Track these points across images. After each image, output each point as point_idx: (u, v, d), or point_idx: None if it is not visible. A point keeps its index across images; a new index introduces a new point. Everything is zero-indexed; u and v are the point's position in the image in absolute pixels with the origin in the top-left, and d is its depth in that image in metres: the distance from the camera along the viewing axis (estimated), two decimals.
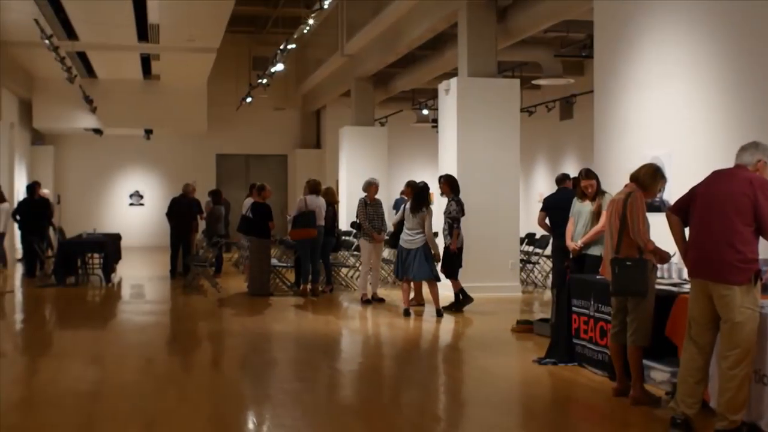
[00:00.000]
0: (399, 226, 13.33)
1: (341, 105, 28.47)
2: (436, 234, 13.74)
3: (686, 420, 6.45)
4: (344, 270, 17.74)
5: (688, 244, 6.67)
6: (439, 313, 12.96)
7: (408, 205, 13.19)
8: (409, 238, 12.95)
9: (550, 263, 17.60)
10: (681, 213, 6.74)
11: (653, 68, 10.13)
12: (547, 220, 12.65)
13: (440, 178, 14.12)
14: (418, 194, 13.21)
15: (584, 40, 18.47)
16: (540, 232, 17.40)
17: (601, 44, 11.44)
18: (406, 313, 13.00)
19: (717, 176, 6.61)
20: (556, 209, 12.57)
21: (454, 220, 13.34)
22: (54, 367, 9.36)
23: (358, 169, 23.20)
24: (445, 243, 13.48)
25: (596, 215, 9.92)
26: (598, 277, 8.70)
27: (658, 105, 10.03)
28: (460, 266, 13.54)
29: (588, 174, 10.19)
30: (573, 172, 13.63)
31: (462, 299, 13.58)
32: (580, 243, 9.96)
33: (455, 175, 15.31)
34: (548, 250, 17.31)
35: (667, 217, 6.85)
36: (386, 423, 7.12)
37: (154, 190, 31.89)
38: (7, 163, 22.72)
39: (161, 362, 9.90)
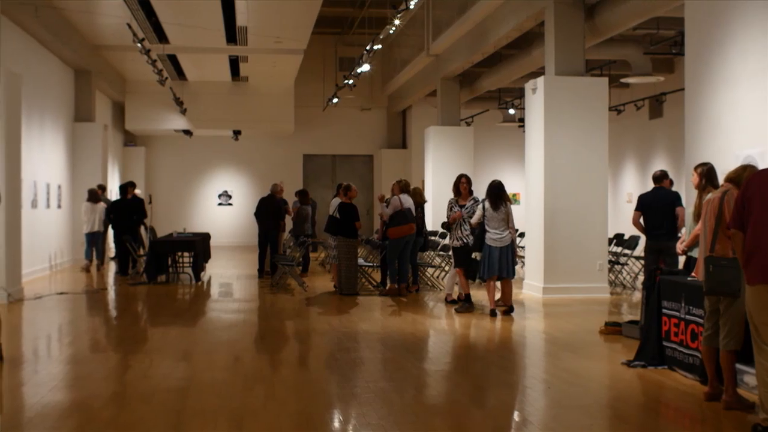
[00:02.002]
0: (480, 228, 13.25)
1: (427, 105, 28.46)
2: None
3: None
4: (430, 270, 17.71)
5: (748, 250, 6.51)
6: (511, 310, 13.08)
7: (487, 205, 13.11)
8: (497, 236, 12.95)
9: (639, 264, 17.36)
10: (741, 226, 6.60)
11: (746, 65, 9.88)
12: (641, 220, 12.45)
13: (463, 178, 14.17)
14: (496, 192, 13.13)
15: (675, 37, 18.12)
16: (629, 233, 17.16)
17: (692, 41, 11.20)
18: (493, 314, 12.96)
19: (762, 179, 6.52)
20: (651, 208, 12.37)
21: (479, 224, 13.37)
22: (145, 364, 9.55)
23: (443, 169, 23.16)
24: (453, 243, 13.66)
25: (697, 216, 9.69)
26: (689, 278, 8.52)
27: (751, 103, 9.79)
28: (465, 266, 13.66)
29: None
30: None
31: (464, 301, 13.63)
32: (682, 246, 9.74)
33: (541, 175, 15.24)
34: (638, 251, 17.08)
35: (734, 236, 6.72)
36: (473, 424, 7.07)
37: (242, 190, 32.33)
38: (101, 164, 23.27)
39: (249, 360, 10.00)
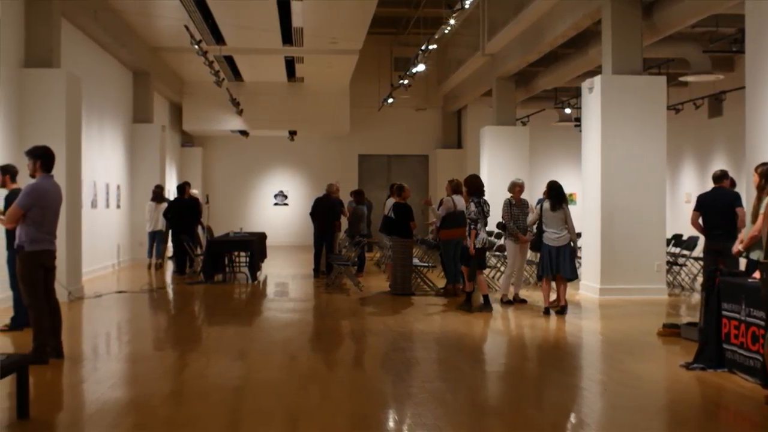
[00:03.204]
0: (539, 228, 13.23)
1: (482, 104, 28.36)
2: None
3: None
4: (485, 270, 17.61)
5: None
6: (564, 311, 13.06)
7: (546, 205, 13.07)
8: (555, 236, 13.01)
9: (698, 265, 17.11)
10: None
11: None
12: (700, 220, 12.28)
13: (466, 179, 14.41)
14: (554, 193, 13.20)
15: (734, 34, 17.81)
16: (688, 233, 16.94)
17: (752, 38, 11.03)
18: (546, 312, 12.96)
19: None
20: (710, 209, 12.18)
21: (472, 221, 13.50)
22: (202, 363, 9.64)
23: (499, 169, 23.06)
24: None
25: (755, 217, 9.53)
26: (749, 280, 8.38)
27: None
28: (482, 267, 13.85)
29: None
30: None
31: (468, 301, 13.69)
32: (739, 247, 9.57)
33: (598, 175, 15.12)
34: (696, 252, 16.84)
35: None
36: (529, 425, 7.03)
37: (297, 190, 32.51)
38: (159, 164, 23.55)
39: (304, 359, 10.05)
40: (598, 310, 13.68)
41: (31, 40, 14.60)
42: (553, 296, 13.36)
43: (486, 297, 13.67)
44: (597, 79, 15.66)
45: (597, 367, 9.86)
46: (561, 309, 13.11)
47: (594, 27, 17.37)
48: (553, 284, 13.35)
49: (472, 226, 13.50)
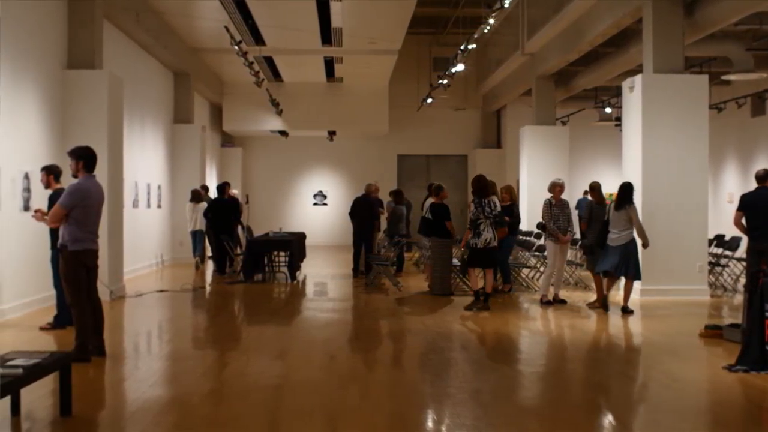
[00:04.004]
0: (603, 226, 13.52)
1: (522, 104, 28.26)
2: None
3: None
4: (525, 270, 17.56)
5: None
6: (626, 310, 13.20)
7: (613, 205, 13.43)
8: (614, 235, 13.26)
9: (740, 266, 16.93)
10: None
11: None
12: (743, 221, 12.15)
13: (473, 179, 14.61)
14: (621, 194, 13.39)
15: None
16: (730, 233, 16.76)
17: None
18: (605, 308, 13.31)
19: None
20: (754, 208, 12.05)
21: (471, 221, 13.83)
22: (242, 362, 9.69)
23: (538, 168, 22.98)
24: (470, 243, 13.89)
25: None
26: None
27: None
28: (488, 266, 13.92)
29: None
30: None
31: (484, 301, 13.79)
32: None
33: (639, 175, 15.02)
34: (739, 252, 16.66)
35: None
36: (568, 426, 6.99)
37: (337, 190, 32.58)
38: (199, 165, 23.72)
39: (343, 359, 10.07)
40: (639, 310, 13.56)
41: (73, 41, 14.77)
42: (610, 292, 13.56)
43: (476, 293, 13.95)
44: (638, 78, 15.54)
45: (638, 368, 9.78)
46: (624, 308, 13.31)
47: (635, 25, 17.24)
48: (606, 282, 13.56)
49: (468, 226, 13.91)
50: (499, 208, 13.93)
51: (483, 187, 13.98)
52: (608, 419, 7.33)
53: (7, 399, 6.66)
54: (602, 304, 13.43)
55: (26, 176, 12.75)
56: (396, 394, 8.07)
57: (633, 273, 13.19)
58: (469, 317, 13.08)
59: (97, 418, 7.13)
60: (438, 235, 15.64)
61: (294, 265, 18.57)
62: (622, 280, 13.58)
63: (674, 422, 7.09)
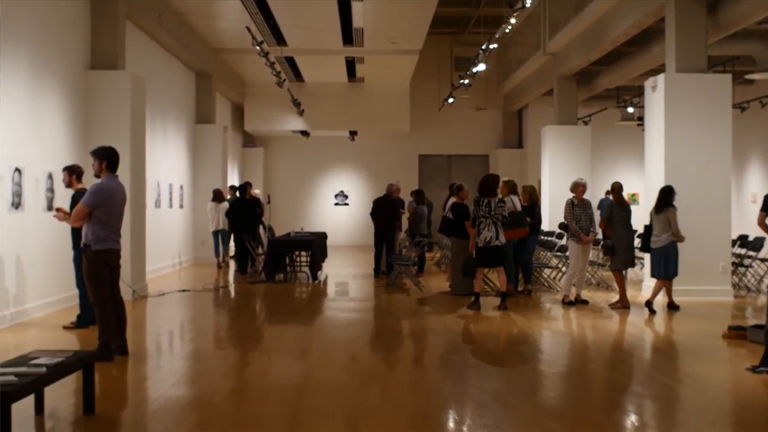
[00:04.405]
0: (648, 233, 13.72)
1: (543, 104, 28.19)
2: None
3: None
4: (546, 271, 17.50)
5: None
6: (673, 306, 13.52)
7: (653, 209, 13.61)
8: (654, 238, 13.44)
9: (764, 266, 16.82)
10: None
11: None
12: (767, 221, 12.06)
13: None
14: (662, 196, 13.51)
15: None
16: (754, 233, 16.66)
17: None
18: (651, 310, 13.32)
19: None
20: None
21: (472, 220, 14.05)
22: (263, 361, 9.72)
23: (560, 168, 22.91)
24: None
25: None
26: None
27: None
28: (487, 265, 14.08)
29: None
30: None
31: (501, 300, 13.90)
32: None
33: (662, 175, 14.97)
34: (763, 253, 16.55)
35: None
36: (591, 427, 6.96)
37: (358, 190, 32.61)
38: (221, 165, 23.79)
39: (365, 359, 10.07)
40: (662, 311, 13.50)
41: (96, 42, 14.85)
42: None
43: (477, 295, 13.92)
44: (660, 77, 15.47)
45: (660, 369, 9.71)
46: (671, 304, 13.60)
47: (657, 25, 17.15)
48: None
49: (473, 225, 13.99)
50: (505, 208, 13.92)
51: (487, 186, 13.98)
52: (631, 420, 7.29)
53: (31, 397, 6.71)
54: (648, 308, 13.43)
55: (50, 176, 12.83)
56: (417, 394, 8.06)
57: (672, 272, 13.35)
58: (494, 317, 13.06)
59: (119, 417, 7.17)
60: (459, 235, 15.61)
61: (315, 264, 18.60)
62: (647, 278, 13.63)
63: (697, 423, 7.05)
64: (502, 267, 13.95)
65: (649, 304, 13.33)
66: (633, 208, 14.33)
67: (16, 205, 11.83)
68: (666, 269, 13.25)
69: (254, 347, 10.78)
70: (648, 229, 13.57)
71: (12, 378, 5.88)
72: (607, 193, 28.10)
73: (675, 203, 13.35)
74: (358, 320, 13.18)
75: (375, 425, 6.89)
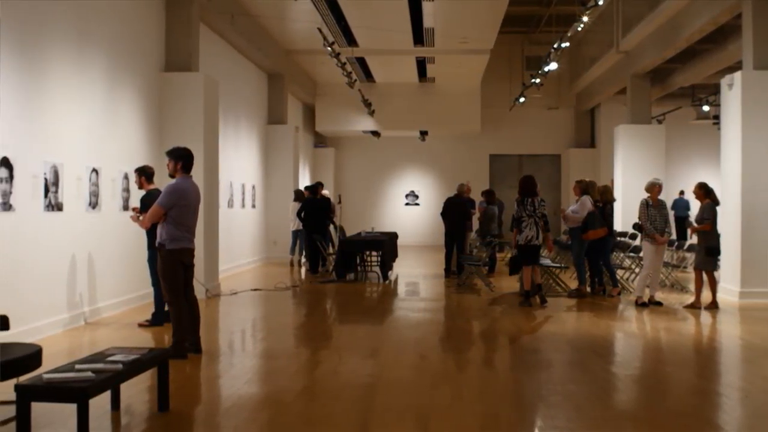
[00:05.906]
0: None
1: (616, 103, 27.89)
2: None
3: None
4: (619, 271, 17.29)
5: None
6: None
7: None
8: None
9: None
10: None
11: None
12: None
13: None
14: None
15: None
16: None
17: None
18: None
19: None
20: None
21: (515, 219, 14.42)
22: (334, 360, 9.76)
23: (634, 168, 22.64)
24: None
25: None
26: None
27: None
28: (530, 263, 14.28)
29: None
30: None
31: (531, 295, 14.35)
32: None
33: (738, 175, 14.73)
34: None
35: None
36: (664, 430, 6.86)
37: (428, 190, 32.61)
38: (292, 165, 23.97)
39: (435, 359, 10.05)
40: (737, 313, 13.25)
41: (171, 45, 15.09)
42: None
43: (527, 293, 14.27)
44: (737, 75, 15.17)
45: (737, 372, 9.54)
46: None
47: (734, 21, 16.84)
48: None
49: (515, 225, 14.39)
50: (546, 207, 14.45)
51: (528, 186, 14.37)
52: (706, 424, 7.16)
53: (108, 393, 6.84)
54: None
55: (125, 177, 13.07)
56: (488, 395, 8.02)
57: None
58: (565, 318, 12.96)
59: (193, 414, 7.26)
60: None
61: (386, 264, 18.64)
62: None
63: None
64: (537, 265, 14.54)
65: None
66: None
67: (94, 205, 12.08)
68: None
69: (325, 346, 10.84)
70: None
71: (89, 374, 6.00)
72: (681, 193, 27.71)
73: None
74: (429, 320, 13.16)
75: (445, 425, 6.88)
